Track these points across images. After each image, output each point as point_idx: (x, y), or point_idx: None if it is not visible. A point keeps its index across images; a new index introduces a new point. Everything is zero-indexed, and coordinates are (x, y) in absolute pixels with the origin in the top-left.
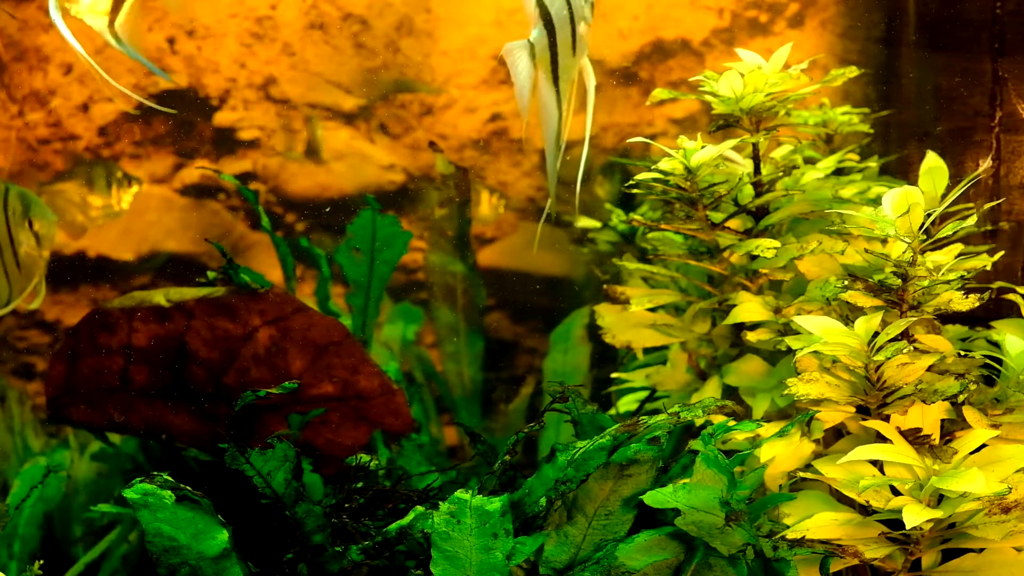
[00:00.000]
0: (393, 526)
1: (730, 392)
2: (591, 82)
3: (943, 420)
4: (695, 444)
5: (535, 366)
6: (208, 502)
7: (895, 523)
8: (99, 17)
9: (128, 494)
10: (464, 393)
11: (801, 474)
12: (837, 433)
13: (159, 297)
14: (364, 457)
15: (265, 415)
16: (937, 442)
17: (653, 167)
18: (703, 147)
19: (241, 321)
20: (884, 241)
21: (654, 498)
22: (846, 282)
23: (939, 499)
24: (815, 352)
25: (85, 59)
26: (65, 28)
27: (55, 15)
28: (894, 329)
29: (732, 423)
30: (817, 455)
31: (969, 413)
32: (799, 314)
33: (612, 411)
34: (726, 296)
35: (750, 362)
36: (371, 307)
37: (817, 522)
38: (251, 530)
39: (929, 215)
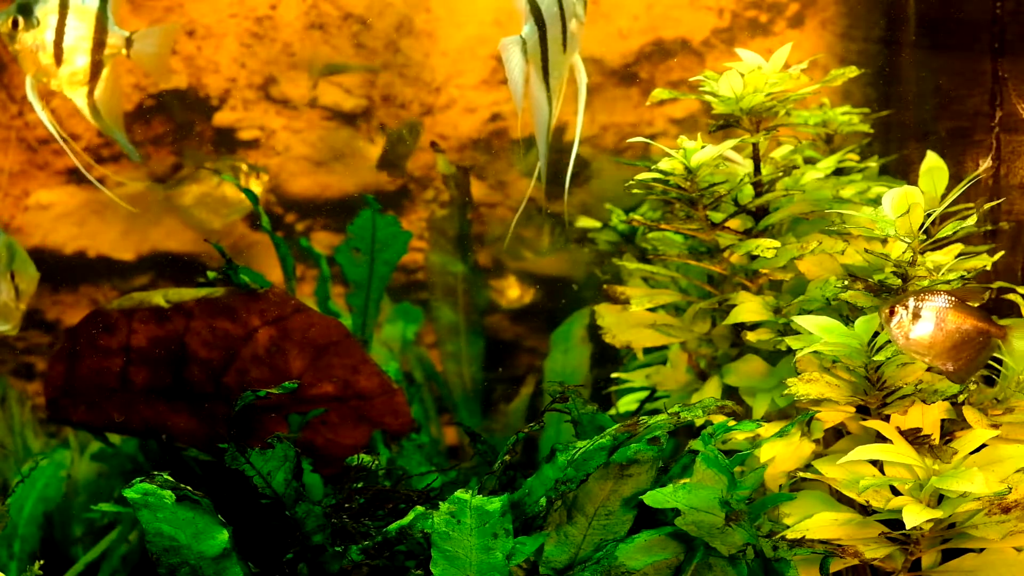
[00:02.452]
0: (393, 526)
1: (730, 392)
2: (582, 79)
3: (943, 420)
4: (695, 444)
5: (535, 366)
6: (208, 502)
7: (895, 523)
8: (78, 89)
9: (128, 494)
10: (464, 393)
11: (801, 474)
12: (837, 433)
13: (158, 298)
14: (364, 457)
15: (265, 415)
16: (937, 442)
17: (653, 167)
18: (703, 147)
19: (241, 321)
20: (884, 241)
21: (654, 498)
22: (846, 282)
23: (939, 499)
24: (815, 352)
25: (57, 137)
26: (40, 107)
27: (31, 95)
28: None
29: (732, 423)
30: (817, 455)
31: (969, 413)
32: (799, 314)
33: (612, 411)
34: (726, 296)
35: (750, 362)
36: (371, 307)
37: (817, 522)
38: (251, 530)
39: (929, 215)
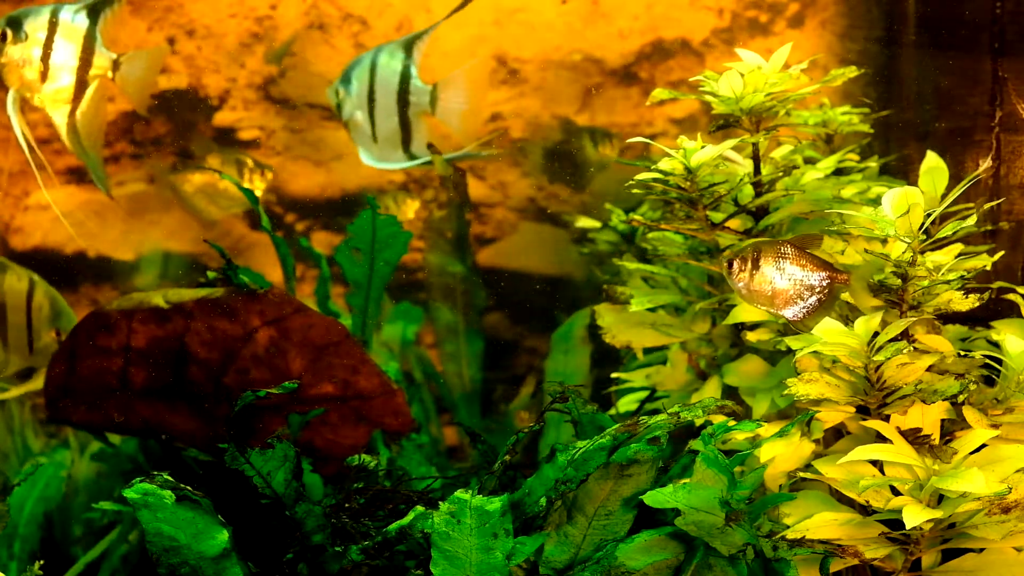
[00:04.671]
0: (393, 526)
1: (730, 392)
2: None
3: (943, 420)
4: (695, 444)
5: (535, 366)
6: (208, 502)
7: (895, 523)
8: (60, 107)
9: (128, 494)
10: (464, 393)
11: (801, 474)
12: (837, 433)
13: (158, 298)
14: (364, 457)
15: (265, 415)
16: (937, 442)
17: (653, 167)
18: (703, 147)
19: (240, 322)
20: (884, 241)
21: (654, 498)
22: None
23: (939, 499)
24: (815, 352)
25: (27, 153)
26: (17, 122)
27: (11, 109)
28: (894, 329)
29: (732, 423)
30: (817, 455)
31: (969, 413)
32: None
33: (612, 411)
34: (726, 296)
35: (750, 362)
36: (371, 307)
37: (817, 522)
38: (251, 530)
39: (929, 215)
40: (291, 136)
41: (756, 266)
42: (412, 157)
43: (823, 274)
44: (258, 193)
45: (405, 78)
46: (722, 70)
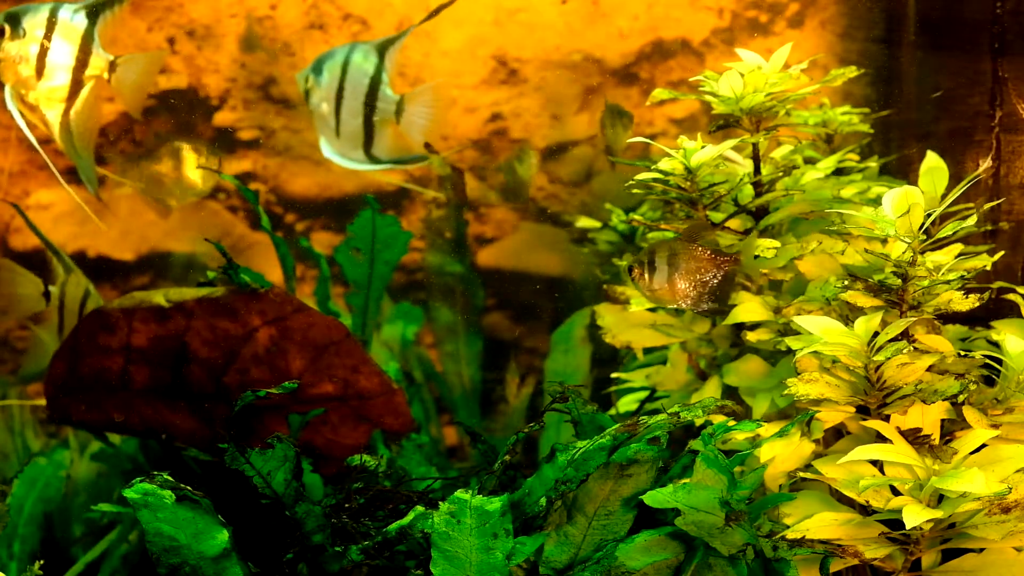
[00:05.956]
0: (393, 526)
1: (730, 392)
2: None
3: (943, 420)
4: (695, 444)
5: (535, 366)
6: (208, 502)
7: (895, 523)
8: (55, 106)
9: (128, 494)
10: (463, 393)
11: (801, 474)
12: (837, 433)
13: (159, 297)
14: (365, 457)
15: (265, 415)
16: (937, 442)
17: (653, 167)
18: (703, 147)
19: (241, 321)
20: (884, 241)
21: (654, 498)
22: (846, 282)
23: (939, 499)
24: (815, 352)
25: (38, 150)
26: (19, 117)
27: (10, 104)
28: (894, 329)
29: (732, 423)
30: (817, 455)
31: (969, 413)
32: (799, 314)
33: (612, 411)
34: None
35: (750, 362)
36: (371, 307)
37: (817, 522)
38: (251, 530)
39: (929, 215)
40: (291, 136)
41: (652, 267)
42: (372, 160)
43: (713, 260)
44: (211, 184)
45: (375, 83)
46: (722, 70)
